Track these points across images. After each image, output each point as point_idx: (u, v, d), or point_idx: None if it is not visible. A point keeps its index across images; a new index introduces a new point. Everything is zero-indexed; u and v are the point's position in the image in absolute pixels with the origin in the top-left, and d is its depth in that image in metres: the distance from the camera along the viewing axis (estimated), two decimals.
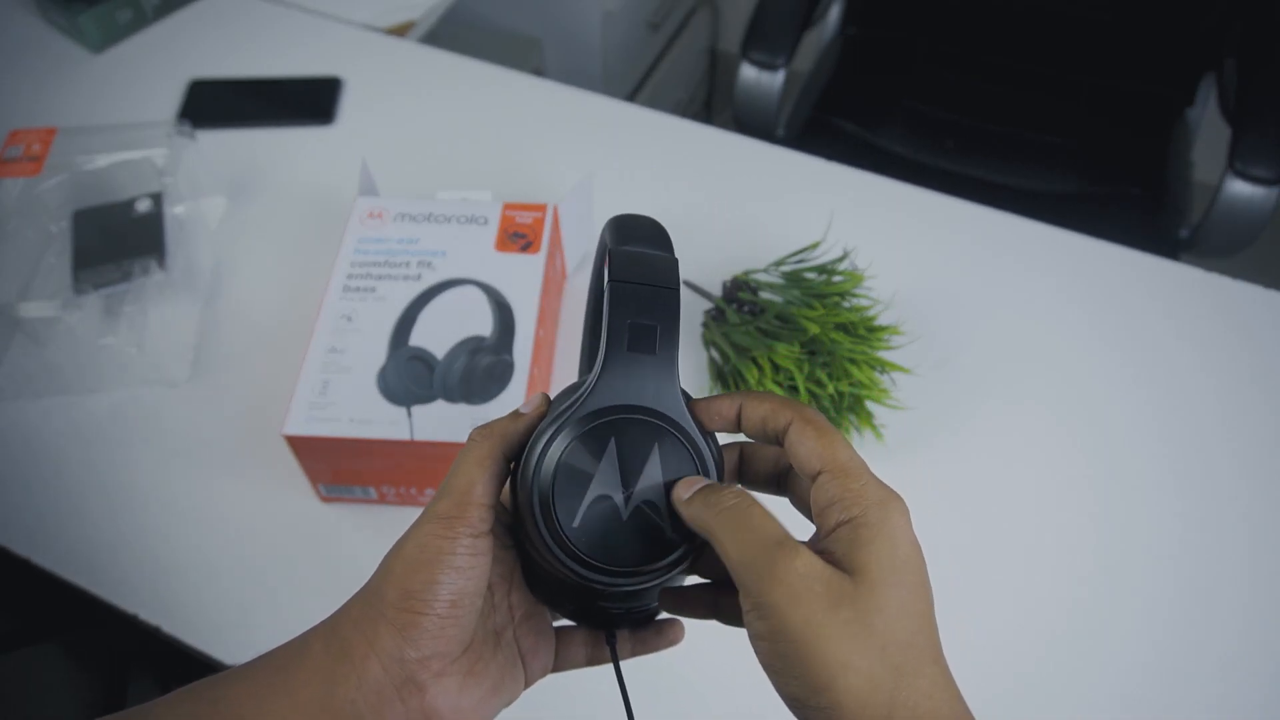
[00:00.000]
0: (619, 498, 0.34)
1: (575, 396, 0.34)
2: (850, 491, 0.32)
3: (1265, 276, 0.92)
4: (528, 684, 0.39)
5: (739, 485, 0.34)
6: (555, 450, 0.34)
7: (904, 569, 0.31)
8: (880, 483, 0.32)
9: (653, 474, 0.34)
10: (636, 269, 0.35)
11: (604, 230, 0.39)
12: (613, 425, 0.34)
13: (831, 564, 0.31)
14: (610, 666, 0.39)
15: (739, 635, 0.33)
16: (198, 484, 0.76)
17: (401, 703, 0.33)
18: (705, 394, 0.80)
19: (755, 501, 0.32)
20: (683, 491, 0.34)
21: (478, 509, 0.34)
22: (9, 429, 0.80)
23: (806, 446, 0.33)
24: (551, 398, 0.37)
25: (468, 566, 0.33)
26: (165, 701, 0.34)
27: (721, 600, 0.38)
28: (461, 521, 0.34)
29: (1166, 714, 0.65)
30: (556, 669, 0.40)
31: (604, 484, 0.34)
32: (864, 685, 0.29)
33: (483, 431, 0.36)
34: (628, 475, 0.34)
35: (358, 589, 0.35)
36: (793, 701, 0.30)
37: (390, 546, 0.35)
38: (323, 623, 0.35)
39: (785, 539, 0.31)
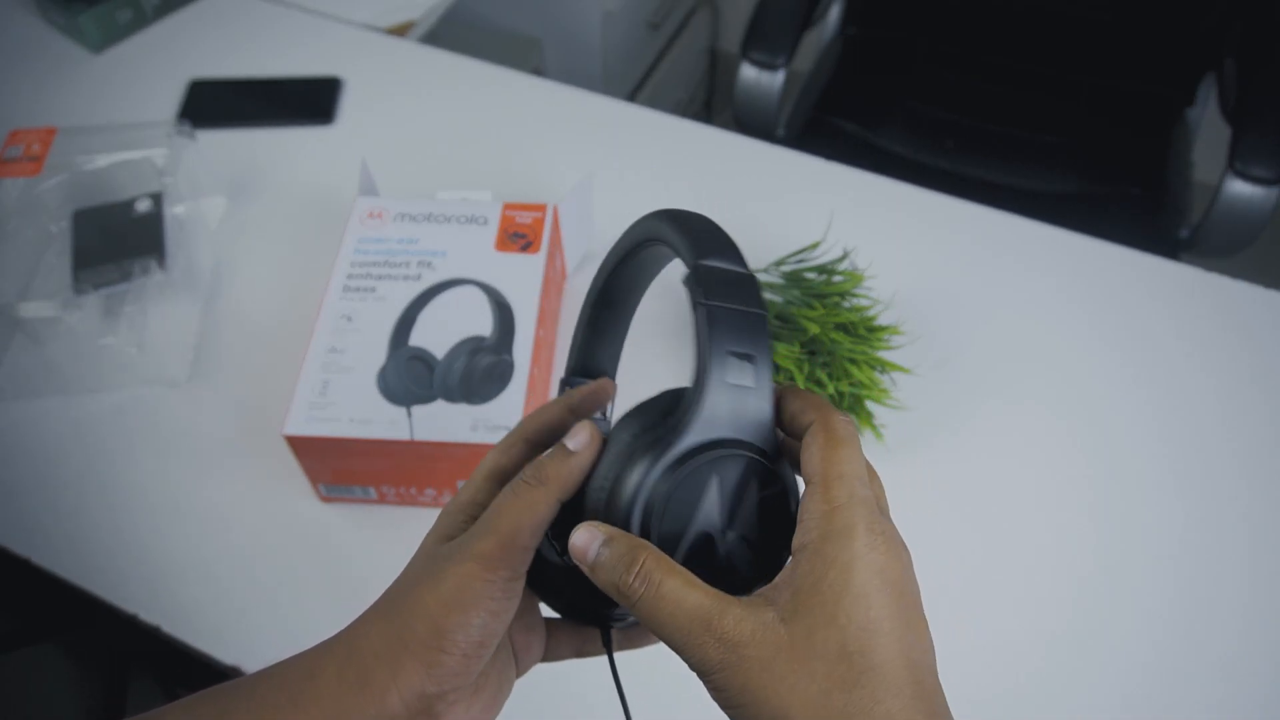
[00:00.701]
0: (716, 533, 0.32)
1: (669, 427, 0.32)
2: (819, 513, 0.30)
3: (1265, 276, 0.92)
4: (518, 675, 0.39)
5: (640, 541, 0.32)
6: (658, 484, 0.32)
7: (849, 608, 0.29)
8: (866, 511, 0.30)
9: (748, 510, 0.32)
10: (728, 290, 0.33)
11: (657, 225, 0.37)
12: (715, 463, 0.32)
13: (787, 591, 0.30)
14: (597, 660, 0.40)
15: None
16: (198, 484, 0.76)
17: None
18: None
19: (665, 571, 0.30)
20: (583, 550, 0.32)
21: (521, 553, 0.33)
22: (9, 429, 0.80)
23: (810, 453, 0.32)
24: (609, 421, 0.36)
25: (501, 610, 0.33)
26: (161, 713, 0.33)
27: None
28: (505, 565, 0.33)
29: (1167, 714, 0.65)
30: (544, 660, 0.40)
31: (705, 521, 0.32)
32: None
33: (535, 475, 0.34)
34: (727, 512, 0.32)
35: (370, 595, 0.35)
36: None
37: (396, 551, 0.35)
38: (334, 644, 0.34)
39: (704, 607, 0.30)
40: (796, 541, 0.30)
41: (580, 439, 0.35)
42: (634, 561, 0.31)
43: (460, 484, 0.71)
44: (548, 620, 0.41)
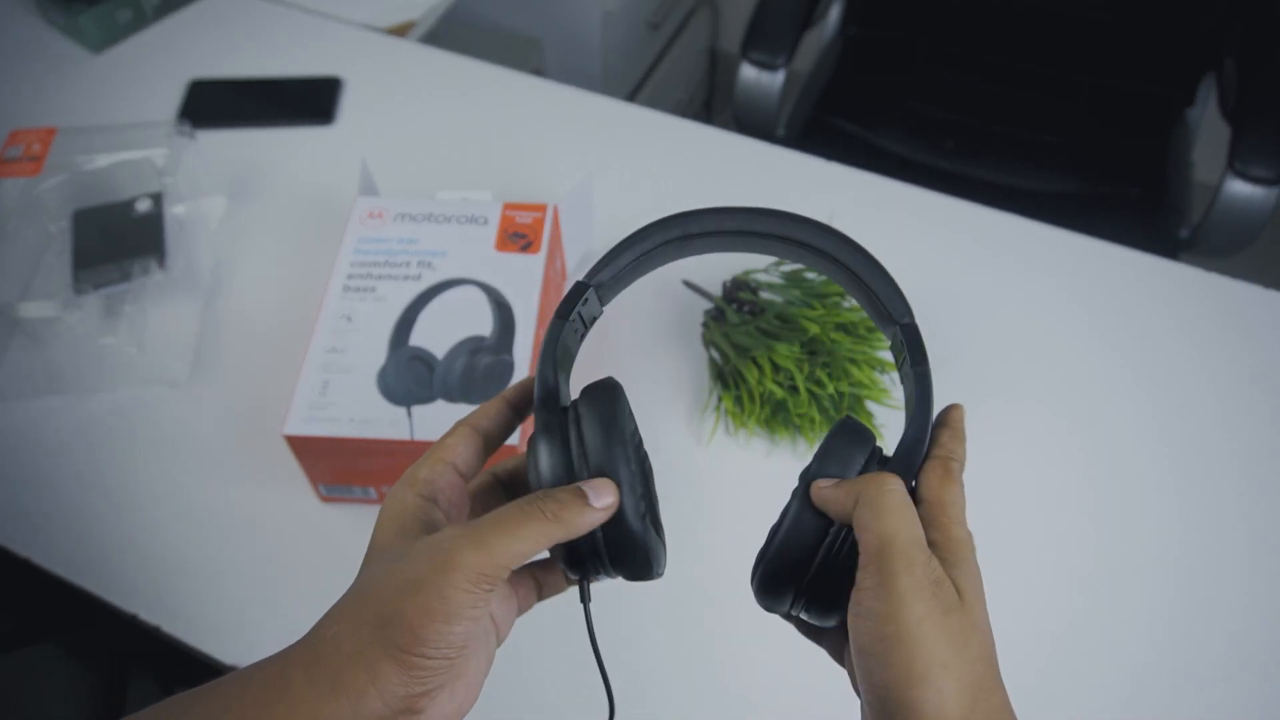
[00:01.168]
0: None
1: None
2: (941, 520, 0.36)
3: (1265, 276, 0.92)
4: (500, 641, 0.39)
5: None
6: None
7: (984, 600, 0.34)
8: (964, 523, 0.37)
9: None
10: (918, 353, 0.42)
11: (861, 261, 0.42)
12: None
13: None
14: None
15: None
16: (198, 484, 0.76)
17: None
18: (706, 397, 0.80)
19: (909, 497, 0.35)
20: (829, 480, 0.37)
21: (506, 574, 0.33)
22: (9, 429, 0.80)
23: (930, 480, 0.38)
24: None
25: (483, 615, 0.33)
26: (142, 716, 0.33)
27: None
28: (490, 582, 0.33)
29: (1167, 714, 0.65)
30: (519, 614, 0.41)
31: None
32: (954, 688, 0.31)
33: (554, 512, 0.34)
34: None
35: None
36: (880, 688, 0.31)
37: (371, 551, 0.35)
38: (299, 649, 0.33)
39: (923, 539, 0.33)
40: (931, 537, 0.35)
41: (607, 500, 0.36)
42: (891, 475, 0.36)
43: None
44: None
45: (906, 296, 0.40)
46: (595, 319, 0.43)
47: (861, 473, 0.37)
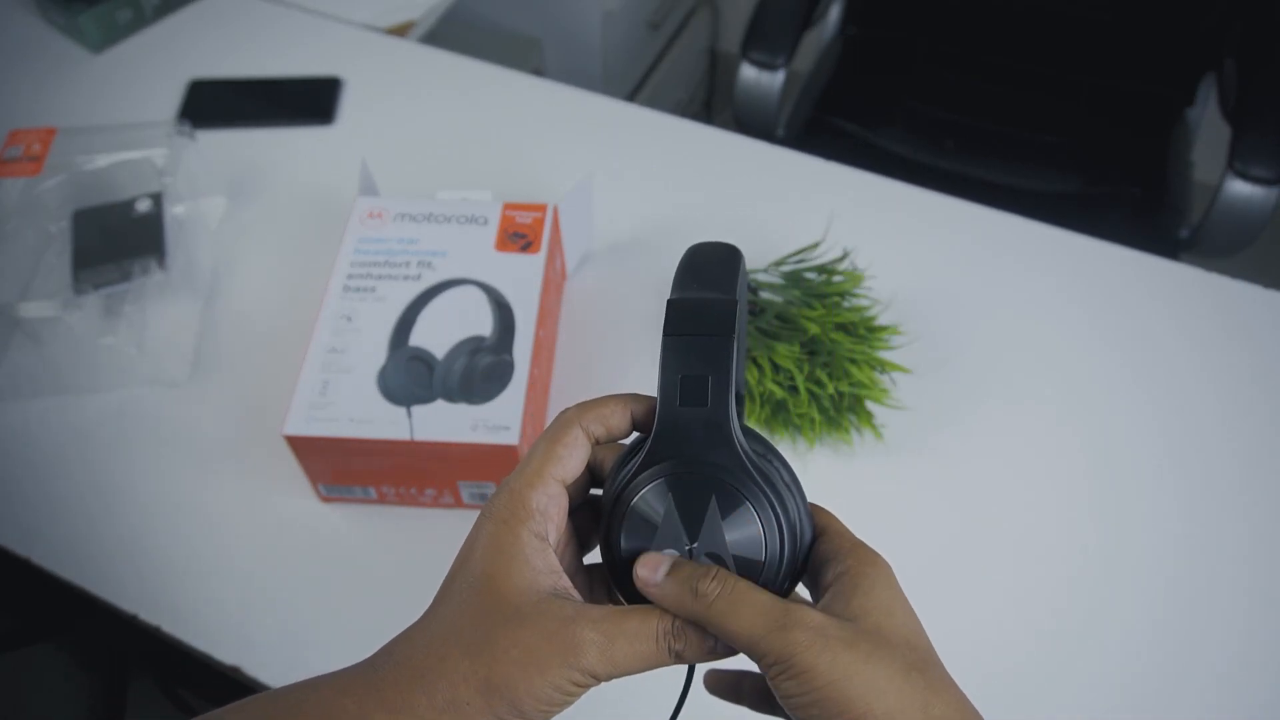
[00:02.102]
0: (684, 551, 0.34)
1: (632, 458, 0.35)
2: (840, 549, 0.35)
3: (1265, 276, 0.92)
4: None
5: (709, 564, 0.34)
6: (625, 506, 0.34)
7: (899, 608, 0.33)
8: (864, 544, 0.35)
9: (713, 527, 0.34)
10: (689, 321, 0.35)
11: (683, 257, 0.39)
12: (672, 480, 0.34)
13: (833, 595, 0.33)
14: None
15: None
16: (198, 484, 0.76)
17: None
18: None
19: (738, 578, 0.33)
20: (647, 574, 0.33)
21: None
22: (9, 429, 0.80)
23: (830, 518, 0.36)
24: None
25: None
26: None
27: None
28: (597, 682, 0.32)
29: (1167, 713, 0.65)
30: None
31: (667, 537, 0.34)
32: (898, 704, 0.30)
33: (676, 655, 0.33)
34: (690, 529, 0.34)
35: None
36: None
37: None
38: (386, 678, 0.32)
39: (777, 602, 0.32)
40: (830, 574, 0.34)
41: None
42: (708, 571, 0.33)
43: (461, 484, 0.72)
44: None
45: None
46: None
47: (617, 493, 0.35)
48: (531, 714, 0.31)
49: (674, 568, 0.33)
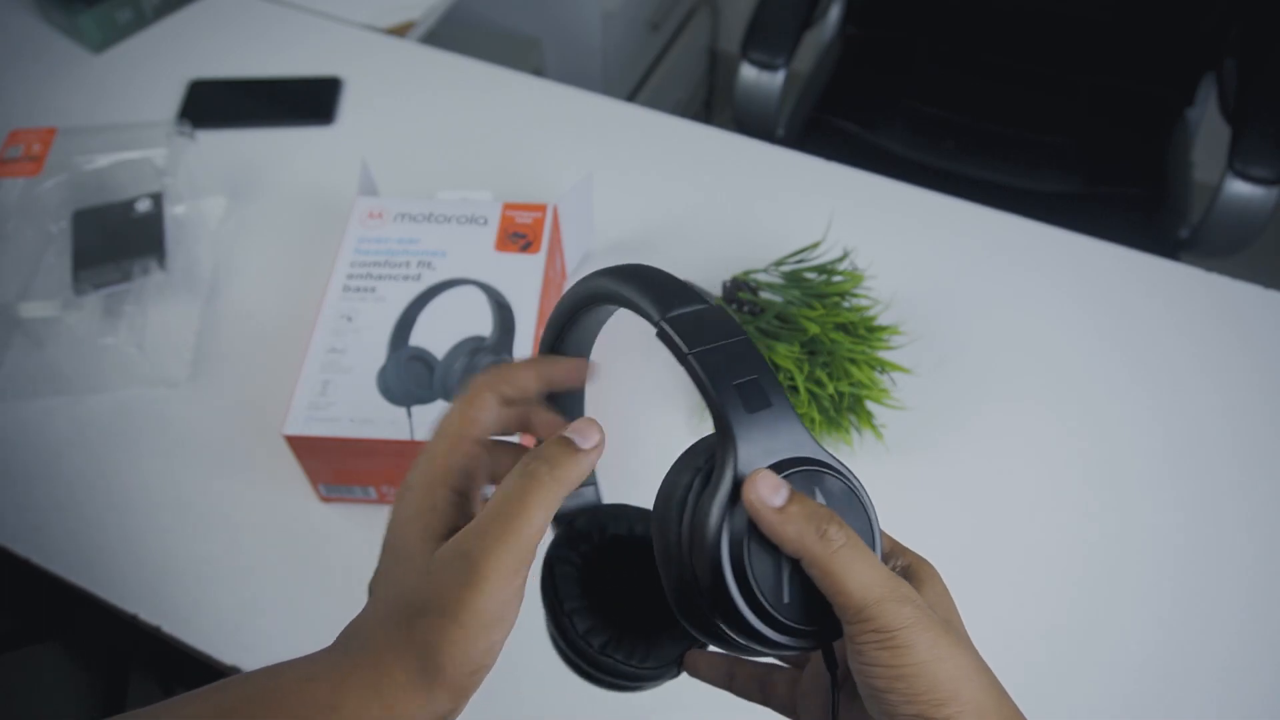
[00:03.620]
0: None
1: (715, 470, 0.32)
2: (895, 547, 0.37)
3: (1265, 276, 0.92)
4: None
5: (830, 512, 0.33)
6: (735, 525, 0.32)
7: (956, 608, 0.35)
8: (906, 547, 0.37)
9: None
10: (701, 333, 0.33)
11: (612, 285, 0.37)
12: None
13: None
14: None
15: None
16: (198, 484, 0.76)
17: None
18: None
19: (858, 536, 0.32)
20: (767, 494, 0.31)
21: (528, 560, 0.33)
22: (9, 429, 0.80)
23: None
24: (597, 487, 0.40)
25: (517, 612, 0.33)
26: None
27: (737, 669, 0.40)
28: (525, 571, 0.32)
29: (1166, 712, 0.65)
30: None
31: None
32: (981, 696, 0.31)
33: (549, 469, 0.33)
34: None
35: (357, 605, 0.35)
36: (909, 719, 0.31)
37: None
38: (352, 673, 0.32)
39: (893, 574, 0.32)
40: (893, 565, 0.36)
41: (592, 438, 0.34)
42: (832, 516, 0.32)
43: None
44: None
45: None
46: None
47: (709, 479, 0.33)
48: (477, 657, 0.31)
49: (794, 499, 0.31)
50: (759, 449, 0.32)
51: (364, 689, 0.31)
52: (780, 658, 0.40)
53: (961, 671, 0.31)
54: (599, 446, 0.34)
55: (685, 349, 0.33)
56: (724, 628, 0.32)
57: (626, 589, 0.41)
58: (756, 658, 0.34)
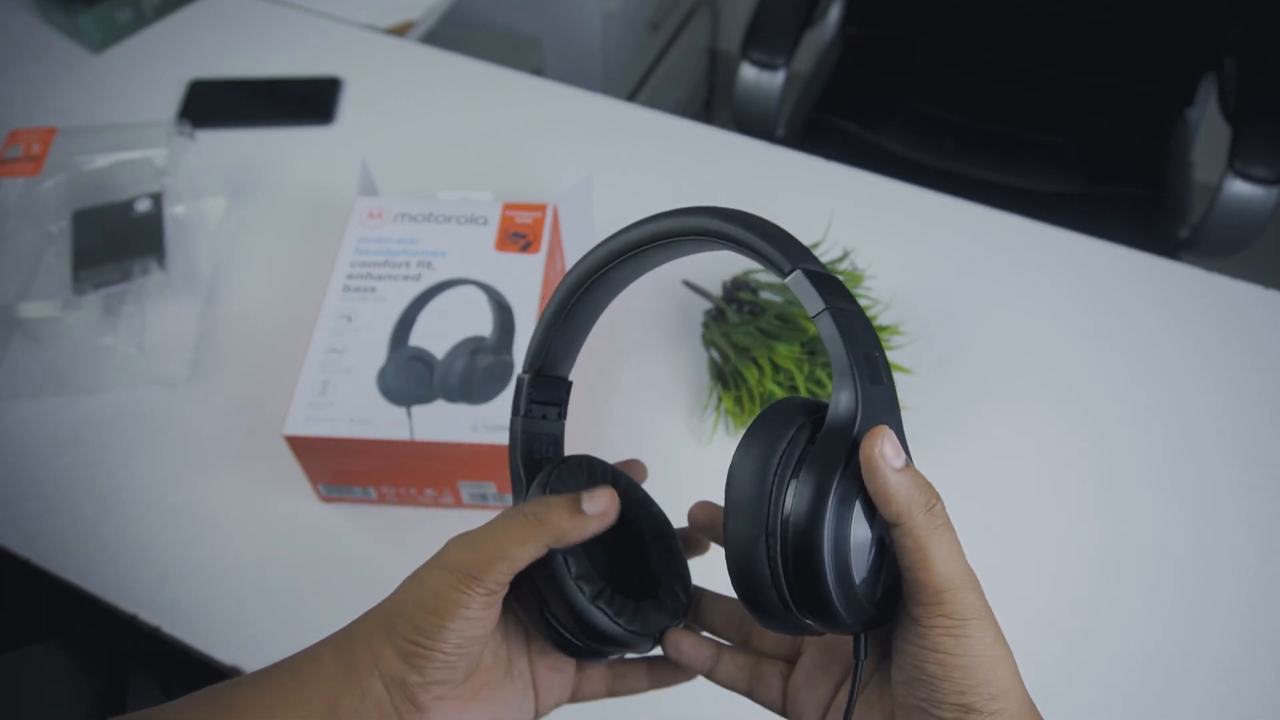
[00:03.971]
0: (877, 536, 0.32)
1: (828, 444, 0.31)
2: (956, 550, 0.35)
3: (1265, 276, 0.92)
4: (540, 713, 0.39)
5: None
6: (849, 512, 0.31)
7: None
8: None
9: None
10: (834, 294, 0.33)
11: (722, 225, 0.36)
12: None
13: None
14: (611, 701, 0.41)
15: None
16: (198, 484, 0.76)
17: (399, 717, 0.34)
18: (706, 397, 0.80)
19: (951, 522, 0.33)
20: (892, 452, 0.31)
21: (499, 576, 0.34)
22: (9, 429, 0.80)
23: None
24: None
25: (478, 618, 0.34)
26: (175, 706, 0.35)
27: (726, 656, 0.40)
28: (479, 583, 0.34)
29: (1166, 712, 0.65)
30: (574, 700, 0.41)
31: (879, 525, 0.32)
32: (1023, 696, 0.32)
33: (536, 516, 0.35)
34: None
35: (370, 594, 0.36)
36: (960, 710, 0.31)
37: (396, 551, 0.36)
38: (339, 632, 0.36)
39: (971, 570, 0.33)
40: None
41: (598, 505, 0.36)
42: (938, 496, 0.32)
43: (461, 484, 0.72)
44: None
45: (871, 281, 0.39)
46: (563, 401, 0.42)
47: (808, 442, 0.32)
48: (426, 628, 0.34)
49: (909, 469, 0.31)
50: (873, 423, 0.31)
51: (341, 646, 0.35)
52: (784, 647, 0.40)
53: (1011, 672, 0.32)
54: (604, 516, 0.36)
55: (824, 303, 0.32)
56: (794, 588, 0.31)
57: (609, 550, 0.40)
58: (783, 632, 0.33)
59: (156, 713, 0.35)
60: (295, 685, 0.35)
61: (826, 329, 0.32)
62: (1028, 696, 0.32)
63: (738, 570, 0.32)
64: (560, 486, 0.38)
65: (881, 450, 0.30)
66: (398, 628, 0.34)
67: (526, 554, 0.35)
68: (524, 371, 0.42)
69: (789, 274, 0.33)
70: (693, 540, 0.42)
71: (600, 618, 0.36)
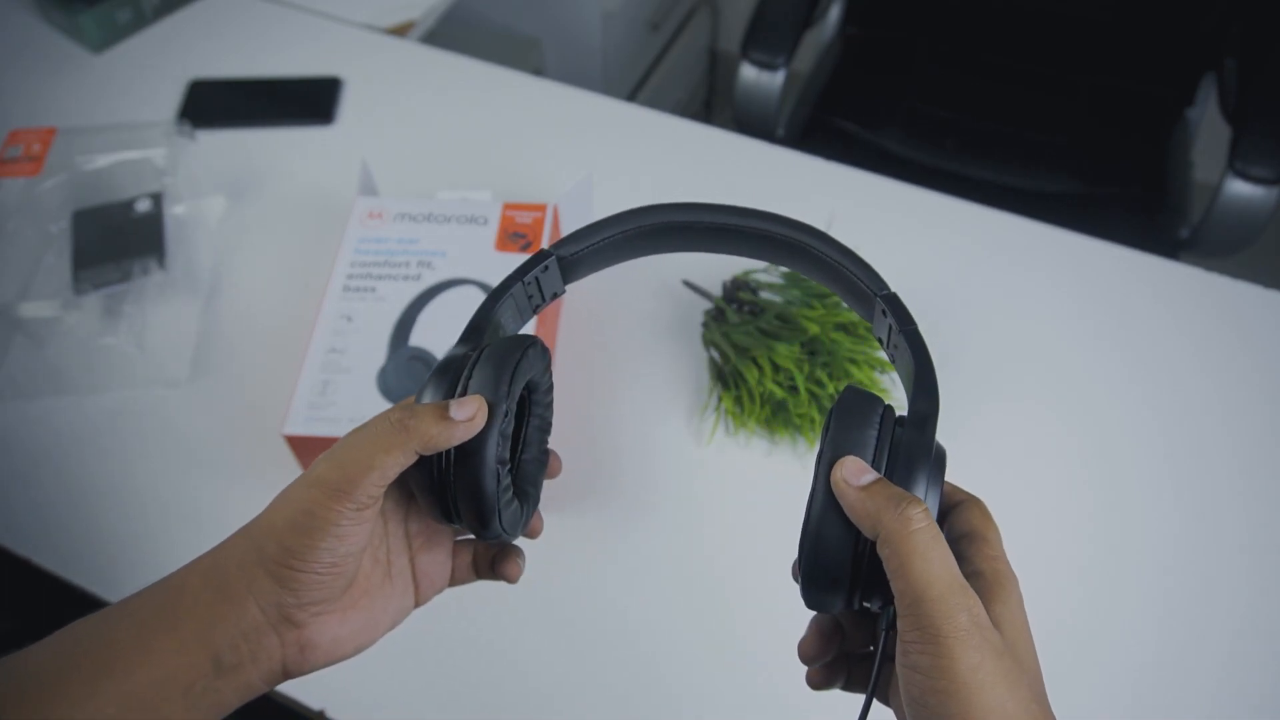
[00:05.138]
0: None
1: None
2: (983, 553, 0.34)
3: (1265, 276, 0.92)
4: (420, 602, 0.39)
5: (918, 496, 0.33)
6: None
7: (1028, 630, 0.33)
8: (1006, 558, 0.35)
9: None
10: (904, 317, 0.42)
11: (826, 247, 0.44)
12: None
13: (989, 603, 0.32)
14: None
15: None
16: (198, 484, 0.76)
17: (278, 636, 0.34)
18: (706, 397, 0.80)
19: (937, 527, 0.32)
20: (851, 475, 0.32)
21: (370, 489, 0.33)
22: (9, 429, 0.80)
23: (973, 512, 0.37)
24: None
25: (350, 534, 0.33)
26: (46, 642, 0.35)
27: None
28: (349, 498, 0.33)
29: (1166, 712, 0.65)
30: (451, 585, 0.41)
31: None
32: None
33: (402, 423, 0.34)
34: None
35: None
36: None
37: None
38: (203, 557, 0.36)
39: (964, 580, 0.31)
40: (971, 553, 0.34)
41: (466, 411, 0.35)
42: (918, 502, 0.32)
43: None
44: (456, 543, 0.41)
45: (903, 293, 0.42)
46: (556, 295, 0.42)
47: (879, 441, 0.35)
48: (298, 549, 0.33)
49: (878, 483, 0.32)
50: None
51: (209, 573, 0.35)
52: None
53: (1001, 704, 0.29)
54: (471, 424, 0.34)
55: (904, 324, 0.40)
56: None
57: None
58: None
59: (16, 657, 0.34)
60: (166, 615, 0.34)
61: (913, 346, 0.39)
62: None
63: (821, 563, 0.34)
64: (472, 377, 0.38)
65: (844, 477, 0.32)
66: (267, 550, 0.33)
67: (395, 462, 0.34)
68: (553, 249, 0.42)
69: (882, 294, 0.42)
70: (554, 463, 0.43)
71: (512, 510, 0.37)
